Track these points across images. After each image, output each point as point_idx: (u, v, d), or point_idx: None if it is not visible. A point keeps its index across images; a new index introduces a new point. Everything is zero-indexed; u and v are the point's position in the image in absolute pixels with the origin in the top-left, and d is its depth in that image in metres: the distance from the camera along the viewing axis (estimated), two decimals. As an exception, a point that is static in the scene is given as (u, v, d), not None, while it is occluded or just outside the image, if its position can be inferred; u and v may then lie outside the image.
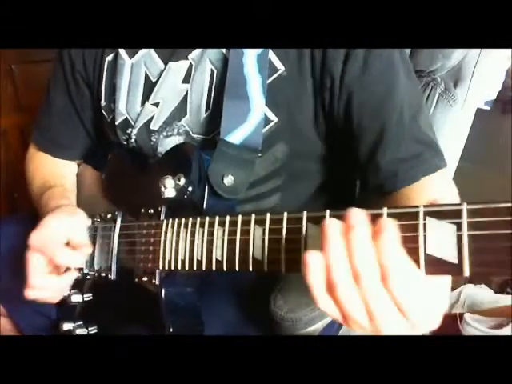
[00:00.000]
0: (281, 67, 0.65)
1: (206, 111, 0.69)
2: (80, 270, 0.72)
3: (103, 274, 0.70)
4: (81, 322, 0.74)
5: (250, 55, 0.64)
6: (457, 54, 0.78)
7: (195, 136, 0.71)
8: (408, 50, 0.83)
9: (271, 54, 0.65)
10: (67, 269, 0.68)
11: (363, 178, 0.67)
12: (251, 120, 0.64)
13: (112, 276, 0.70)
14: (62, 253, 0.65)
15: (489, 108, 1.04)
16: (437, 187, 0.61)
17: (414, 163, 0.60)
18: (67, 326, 0.74)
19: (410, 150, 0.61)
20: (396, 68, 0.62)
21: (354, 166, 0.68)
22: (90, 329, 0.74)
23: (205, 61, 0.68)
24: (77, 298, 0.73)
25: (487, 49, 0.78)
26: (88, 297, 0.73)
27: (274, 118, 0.66)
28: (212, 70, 0.68)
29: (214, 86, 0.68)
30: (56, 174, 0.86)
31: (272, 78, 0.65)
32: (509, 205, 0.31)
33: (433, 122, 0.80)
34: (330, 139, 0.69)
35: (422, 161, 0.61)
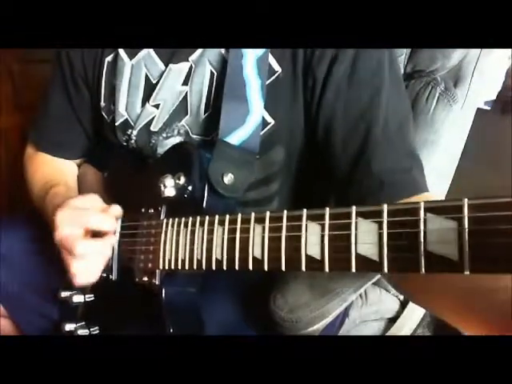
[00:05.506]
0: (278, 69, 0.64)
1: (206, 112, 0.69)
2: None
3: (104, 275, 0.70)
4: (83, 323, 0.74)
5: (250, 58, 0.64)
6: (457, 54, 0.78)
7: (194, 137, 0.71)
8: (408, 50, 0.84)
9: (270, 58, 0.64)
10: (103, 235, 0.66)
11: (345, 191, 0.62)
12: (249, 123, 0.64)
13: (113, 276, 0.70)
14: (95, 217, 0.63)
15: (489, 108, 1.04)
16: None
17: (403, 178, 0.57)
18: (69, 327, 0.73)
19: (399, 161, 0.58)
20: (384, 74, 0.61)
21: (330, 178, 0.64)
22: (91, 329, 0.74)
23: (204, 62, 0.68)
24: (78, 298, 0.73)
25: (487, 49, 0.78)
26: (90, 297, 0.73)
27: (270, 121, 0.66)
28: (211, 72, 0.68)
29: (213, 88, 0.68)
30: (57, 172, 0.85)
31: (270, 79, 0.65)
32: (510, 199, 0.30)
33: (433, 121, 0.80)
34: (314, 143, 0.66)
35: (410, 178, 0.57)
